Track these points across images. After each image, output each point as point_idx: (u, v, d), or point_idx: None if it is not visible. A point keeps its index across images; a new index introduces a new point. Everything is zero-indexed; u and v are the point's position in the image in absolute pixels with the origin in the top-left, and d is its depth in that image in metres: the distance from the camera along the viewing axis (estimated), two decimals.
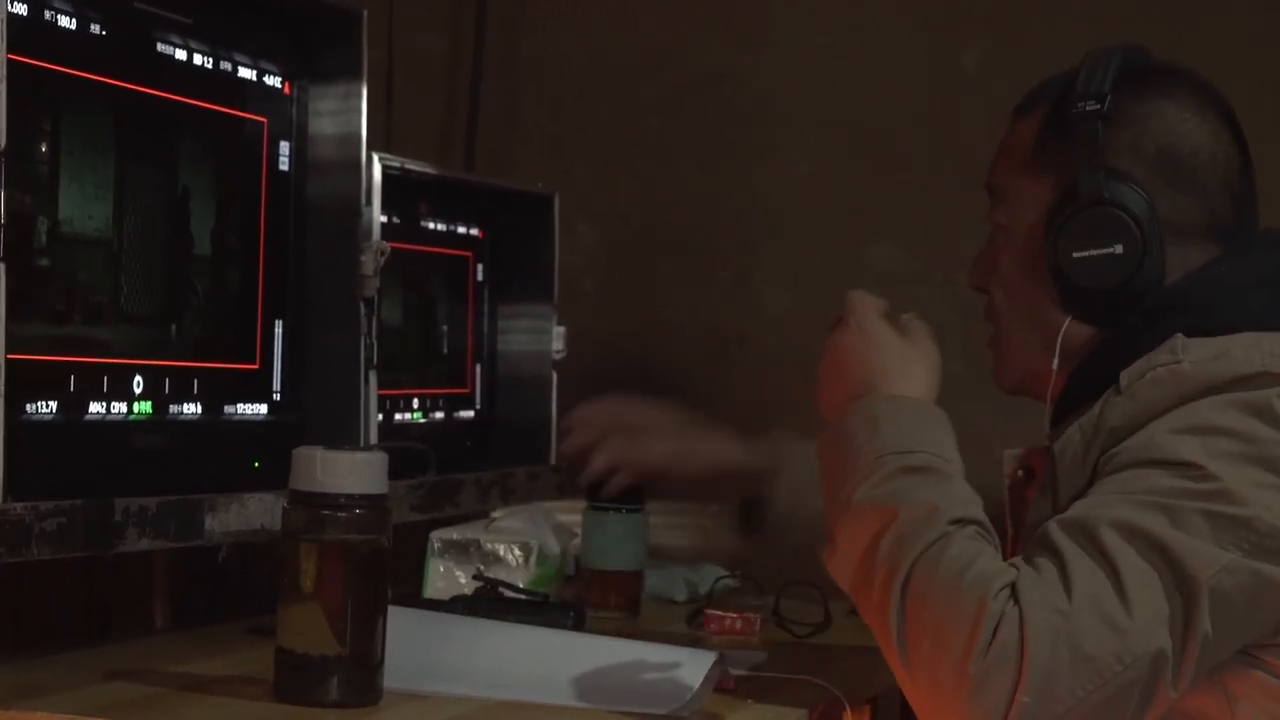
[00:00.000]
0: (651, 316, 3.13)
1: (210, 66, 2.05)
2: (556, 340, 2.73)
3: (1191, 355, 1.64)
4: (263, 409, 2.14)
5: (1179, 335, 1.67)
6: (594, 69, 3.17)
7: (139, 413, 1.93)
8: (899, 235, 2.99)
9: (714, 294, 3.09)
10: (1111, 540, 1.52)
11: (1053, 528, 1.57)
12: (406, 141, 2.89)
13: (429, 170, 2.47)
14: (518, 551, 2.37)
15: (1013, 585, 1.51)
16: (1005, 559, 1.73)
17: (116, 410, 1.90)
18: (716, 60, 3.10)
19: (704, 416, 2.32)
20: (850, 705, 1.97)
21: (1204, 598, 1.52)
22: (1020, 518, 1.82)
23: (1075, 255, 1.73)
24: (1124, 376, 1.67)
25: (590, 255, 3.11)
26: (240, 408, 2.10)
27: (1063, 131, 1.76)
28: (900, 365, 1.80)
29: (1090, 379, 1.74)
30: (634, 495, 2.49)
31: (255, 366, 2.13)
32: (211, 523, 1.95)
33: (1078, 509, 1.58)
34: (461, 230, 2.66)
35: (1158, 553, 1.52)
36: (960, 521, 1.59)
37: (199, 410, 2.03)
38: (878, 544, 1.62)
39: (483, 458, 2.66)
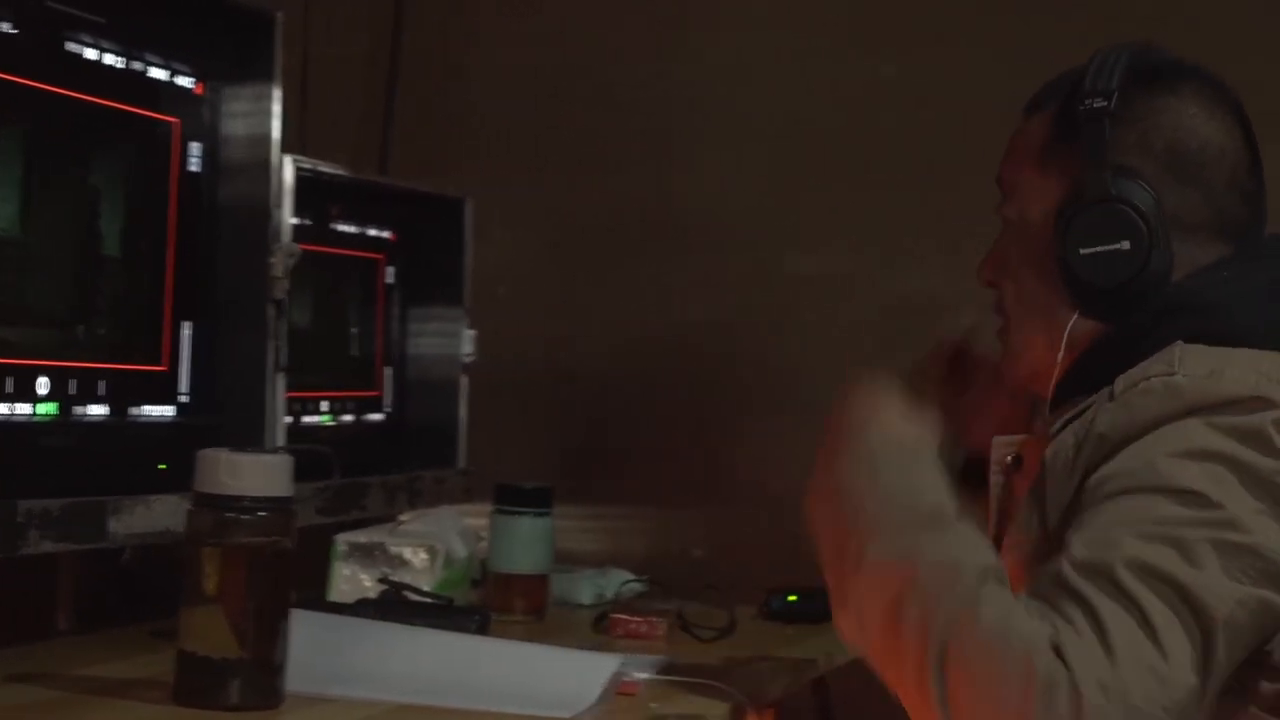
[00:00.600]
0: (569, 321, 3.13)
1: (122, 66, 2.05)
2: (467, 344, 2.73)
3: (1187, 368, 1.63)
4: (170, 411, 2.13)
5: (1178, 344, 1.67)
6: (513, 76, 3.17)
7: (44, 414, 1.93)
8: (819, 242, 3.01)
9: (633, 299, 3.10)
10: (1131, 583, 1.51)
11: (1069, 572, 1.54)
12: (321, 144, 2.89)
13: (341, 172, 2.47)
14: (424, 555, 2.37)
15: (1057, 647, 1.49)
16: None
17: (21, 411, 1.89)
18: (637, 68, 3.11)
19: None
20: (753, 710, 1.98)
21: (1220, 633, 1.51)
22: (1005, 506, 1.81)
23: (1082, 251, 1.73)
24: (1119, 382, 1.66)
25: (505, 260, 3.11)
26: (147, 409, 2.10)
27: (1071, 128, 1.77)
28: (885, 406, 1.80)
29: (1086, 371, 1.74)
30: (542, 499, 2.49)
31: (163, 368, 2.13)
32: (115, 525, 1.94)
33: (1089, 547, 1.56)
34: (373, 233, 2.66)
35: (1175, 592, 1.51)
36: (983, 575, 1.57)
37: (105, 412, 2.02)
38: (900, 609, 1.58)
39: (392, 461, 2.66)
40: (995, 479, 1.85)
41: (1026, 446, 1.80)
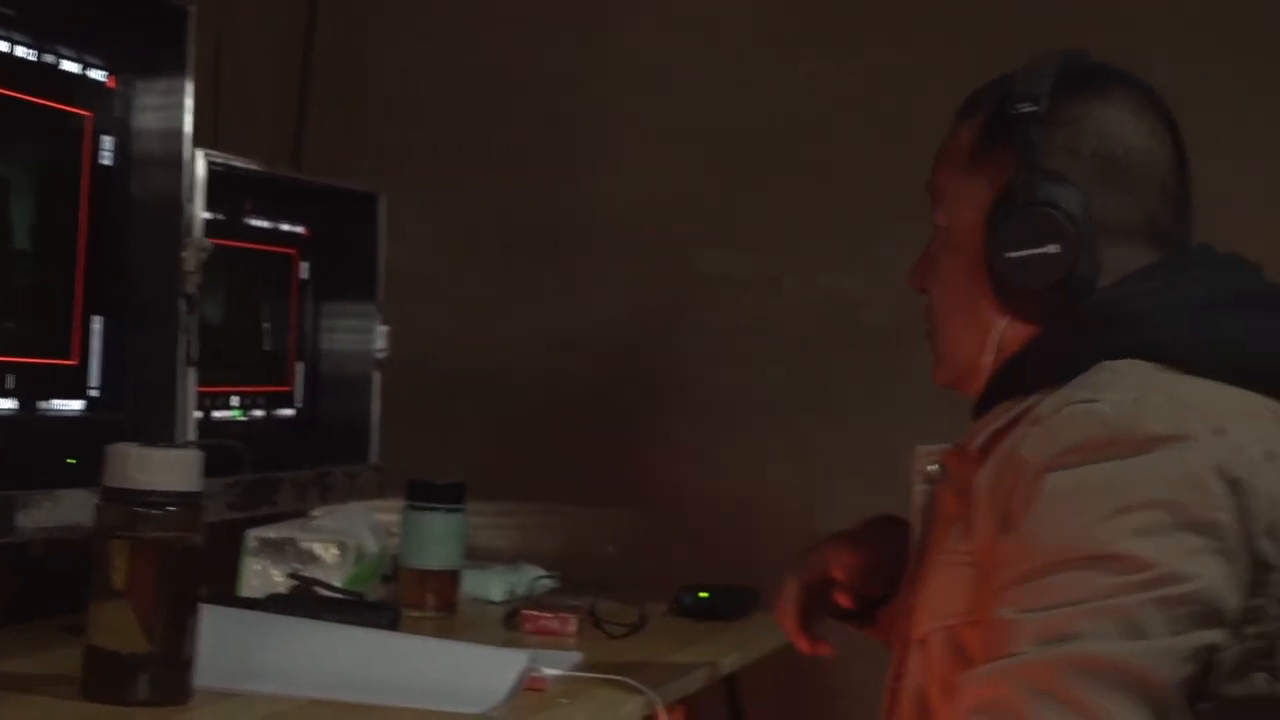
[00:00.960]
0: (482, 319, 3.14)
1: (33, 59, 2.04)
2: (380, 340, 2.73)
3: (1111, 394, 1.62)
4: (79, 405, 2.12)
5: (1104, 364, 1.66)
6: (430, 72, 3.17)
7: None
8: (730, 241, 3.02)
9: (544, 298, 3.11)
10: (1079, 688, 1.51)
11: (1020, 685, 1.53)
12: (235, 139, 2.88)
13: (253, 167, 2.46)
14: (335, 550, 2.37)
15: None
16: (913, 559, 1.77)
17: None
18: (551, 66, 3.11)
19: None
20: (662, 705, 1.99)
21: (1173, 695, 1.52)
22: (930, 517, 1.81)
23: (1010, 255, 1.73)
24: (1044, 405, 1.66)
25: (421, 256, 3.11)
26: (56, 403, 2.09)
27: (1000, 133, 1.76)
28: None
29: (1010, 378, 1.74)
30: (454, 495, 2.50)
31: (73, 362, 2.11)
32: (24, 519, 1.93)
33: (1033, 639, 1.55)
34: (286, 228, 2.66)
35: (1122, 676, 1.51)
36: None
37: (14, 405, 2.01)
38: None
39: (303, 456, 2.65)
40: (919, 488, 1.86)
41: (949, 456, 1.80)
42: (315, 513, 2.55)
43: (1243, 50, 2.84)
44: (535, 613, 2.38)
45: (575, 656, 2.14)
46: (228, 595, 2.25)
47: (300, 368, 2.70)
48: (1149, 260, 1.75)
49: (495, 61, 3.14)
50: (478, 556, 2.71)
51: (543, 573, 2.68)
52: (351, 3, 3.21)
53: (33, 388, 2.04)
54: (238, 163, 2.39)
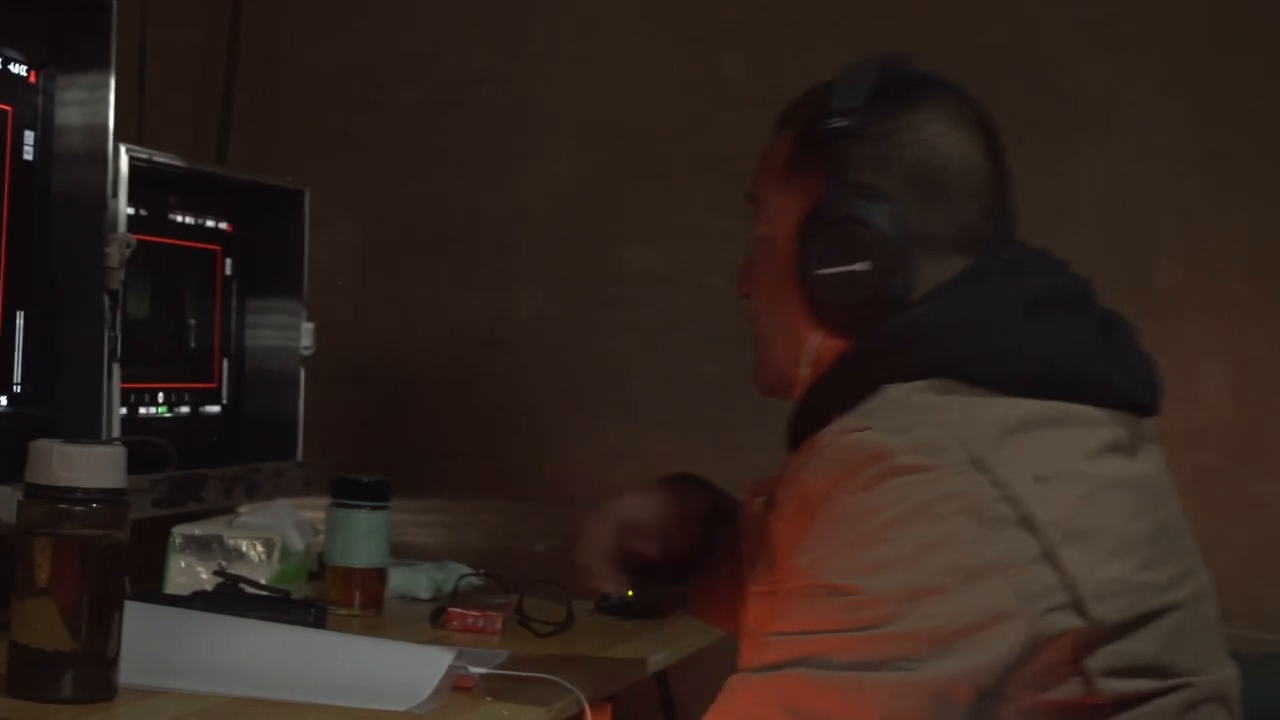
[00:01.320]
0: (407, 315, 3.13)
1: None
2: (306, 336, 2.72)
3: (881, 422, 1.62)
4: (2, 401, 2.11)
5: (885, 390, 1.66)
6: (354, 68, 3.16)
7: None
8: (656, 238, 3.02)
9: (470, 294, 3.10)
10: (792, 715, 1.55)
11: (753, 700, 1.58)
12: (159, 134, 2.86)
13: (177, 163, 2.44)
14: (260, 548, 2.36)
15: None
16: (746, 588, 1.77)
17: None
18: (476, 63, 3.11)
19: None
20: (589, 704, 1.99)
21: None
22: (759, 547, 1.80)
23: (822, 271, 1.73)
24: (824, 436, 1.66)
25: (346, 252, 3.11)
26: None
27: (814, 147, 1.76)
28: None
29: (812, 403, 1.76)
30: (380, 492, 2.49)
31: None
32: None
33: (763, 658, 1.60)
34: (210, 224, 2.64)
35: (833, 708, 1.54)
36: None
37: None
38: None
39: (229, 453, 2.64)
40: (745, 521, 1.87)
41: (774, 486, 1.78)
42: (241, 510, 2.54)
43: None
44: (462, 611, 2.38)
45: (502, 655, 2.14)
46: (153, 592, 2.23)
47: (226, 364, 2.69)
48: (960, 269, 1.74)
49: (420, 57, 3.13)
50: (404, 554, 2.70)
51: (469, 570, 2.67)
52: None
53: None
54: (161, 158, 2.37)
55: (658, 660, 2.36)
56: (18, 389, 2.13)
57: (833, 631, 1.56)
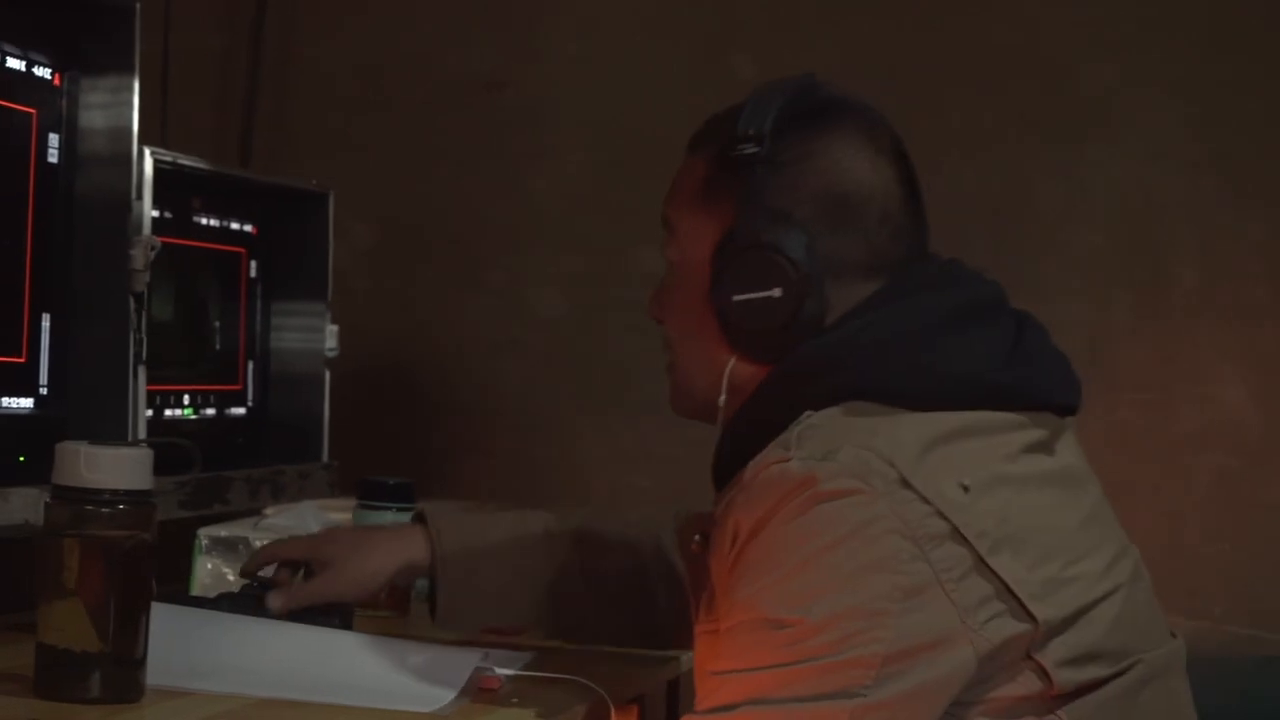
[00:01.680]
0: (424, 317, 3.13)
1: None
2: (330, 338, 2.72)
3: (803, 449, 1.63)
4: (29, 403, 2.11)
5: (805, 415, 1.66)
6: (369, 70, 3.17)
7: None
8: None
9: (484, 296, 3.10)
10: None
11: None
12: (182, 136, 2.87)
13: (202, 165, 2.45)
14: None
15: None
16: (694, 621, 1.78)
17: None
18: (488, 65, 3.11)
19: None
20: (615, 705, 1.99)
21: None
22: (700, 585, 1.82)
23: (735, 298, 1.74)
24: (748, 469, 1.67)
25: (364, 255, 3.11)
26: (6, 401, 2.08)
27: (725, 173, 1.77)
28: None
29: (734, 440, 1.76)
30: (405, 494, 2.49)
31: (22, 360, 2.10)
32: None
33: (710, 697, 1.60)
34: (235, 226, 2.65)
35: None
36: None
37: None
38: None
39: (254, 455, 2.65)
40: (686, 561, 1.86)
41: (709, 522, 1.79)
42: (266, 511, 2.54)
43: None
44: None
45: (527, 656, 2.13)
46: (180, 594, 2.23)
47: (250, 366, 2.69)
48: (872, 290, 1.75)
49: (430, 59, 3.14)
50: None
51: None
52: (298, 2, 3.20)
53: None
54: (186, 161, 2.38)
55: (684, 661, 2.36)
56: (43, 391, 2.13)
57: (778, 666, 1.57)
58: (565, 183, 3.07)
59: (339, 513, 2.57)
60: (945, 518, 1.59)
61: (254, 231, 2.69)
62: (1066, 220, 2.83)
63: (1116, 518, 1.78)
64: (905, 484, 1.59)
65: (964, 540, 1.59)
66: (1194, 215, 2.82)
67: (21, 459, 2.08)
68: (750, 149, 1.74)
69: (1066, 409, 1.77)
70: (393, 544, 2.08)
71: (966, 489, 1.61)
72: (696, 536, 1.82)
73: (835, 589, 1.57)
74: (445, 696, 1.86)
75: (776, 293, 1.72)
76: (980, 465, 1.64)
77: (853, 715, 1.55)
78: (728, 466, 1.76)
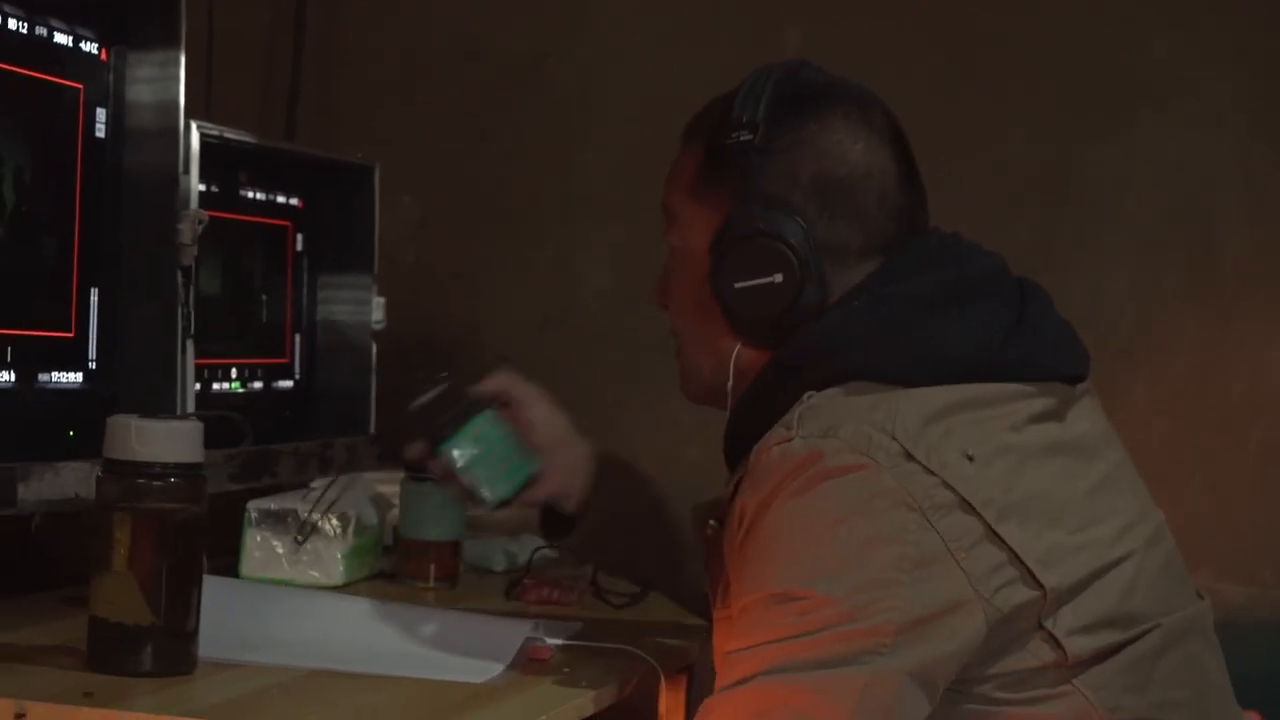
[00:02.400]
0: (471, 291, 3.13)
1: (25, 31, 2.03)
2: (376, 311, 2.72)
3: (805, 429, 1.63)
4: (78, 377, 2.12)
5: (806, 395, 1.67)
6: (417, 45, 3.16)
7: None
8: None
9: (534, 270, 3.10)
10: None
11: None
12: (227, 111, 2.87)
13: (248, 139, 2.45)
14: (336, 522, 2.37)
15: None
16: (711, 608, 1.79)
17: None
18: (537, 41, 3.10)
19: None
20: (665, 674, 1.99)
21: None
22: (715, 571, 1.82)
23: (737, 285, 1.75)
24: (753, 452, 1.67)
25: (412, 227, 3.11)
26: (55, 376, 2.08)
27: (719, 161, 1.78)
28: None
29: (740, 425, 1.77)
30: None
31: (70, 335, 2.11)
32: (25, 491, 1.92)
33: (727, 676, 1.60)
34: (281, 200, 2.65)
35: (805, 712, 1.55)
36: None
37: (12, 378, 2.00)
38: None
39: (302, 428, 2.65)
40: (702, 545, 1.86)
41: (721, 509, 1.79)
42: (314, 484, 2.54)
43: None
44: (537, 583, 2.38)
45: (577, 626, 2.14)
46: (230, 567, 2.24)
47: (298, 339, 2.69)
48: (870, 270, 1.76)
49: (481, 35, 3.13)
50: (477, 526, 2.70)
51: (543, 543, 2.67)
52: None
53: (31, 360, 2.04)
54: (232, 134, 2.38)
55: None
56: (92, 366, 2.14)
57: (791, 637, 1.57)
58: (612, 155, 3.06)
59: (386, 485, 2.57)
60: (951, 488, 1.59)
61: (300, 205, 2.69)
62: (1118, 190, 2.82)
63: (1141, 484, 1.78)
64: (909, 457, 1.60)
65: (972, 509, 1.59)
66: (1245, 184, 2.80)
67: (71, 434, 2.08)
68: (744, 136, 1.75)
69: (1073, 379, 1.76)
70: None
71: (971, 459, 1.61)
72: (711, 521, 1.81)
73: (844, 563, 1.57)
74: (496, 667, 1.87)
75: (777, 279, 1.74)
76: (984, 436, 1.64)
77: (868, 683, 1.55)
78: (736, 450, 1.76)
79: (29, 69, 2.03)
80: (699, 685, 2.38)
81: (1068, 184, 2.85)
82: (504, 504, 1.99)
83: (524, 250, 3.11)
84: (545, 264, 3.09)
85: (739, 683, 1.58)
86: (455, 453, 1.96)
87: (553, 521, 2.09)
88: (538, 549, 2.61)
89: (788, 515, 1.61)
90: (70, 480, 1.97)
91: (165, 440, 1.74)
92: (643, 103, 3.05)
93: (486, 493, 1.96)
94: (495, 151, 3.11)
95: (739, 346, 1.79)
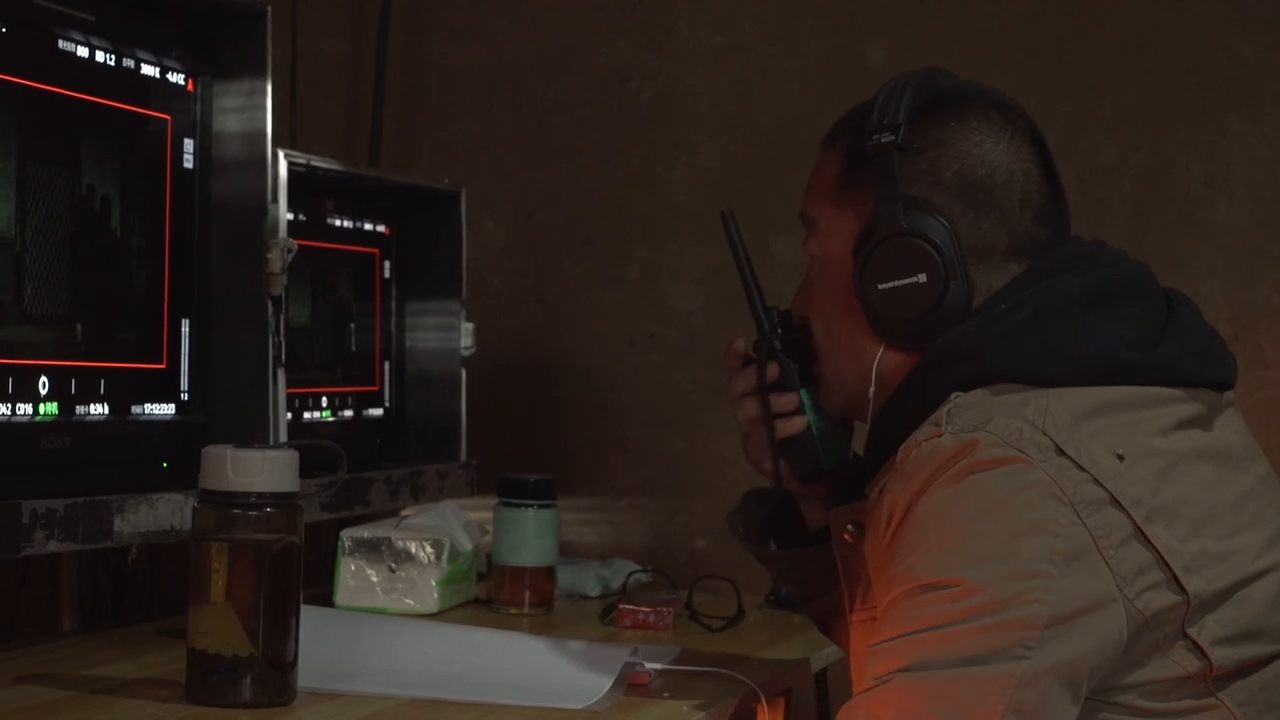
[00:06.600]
0: (558, 312, 3.12)
1: (113, 64, 2.03)
2: (465, 337, 2.72)
3: (955, 424, 1.62)
4: (171, 409, 2.12)
5: (954, 395, 1.66)
6: (498, 69, 3.16)
7: (45, 414, 1.91)
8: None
9: (620, 291, 3.09)
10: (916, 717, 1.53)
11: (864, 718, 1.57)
12: (311, 139, 2.88)
13: (335, 167, 2.45)
14: (430, 549, 2.36)
15: None
16: (846, 615, 1.79)
17: (22, 411, 1.88)
18: (620, 59, 3.10)
19: None
20: (764, 698, 1.98)
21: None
22: (856, 576, 1.81)
23: (881, 287, 1.74)
24: (901, 449, 1.66)
25: (497, 252, 3.11)
26: (148, 408, 2.08)
27: (862, 164, 1.77)
28: None
29: (886, 427, 1.75)
30: (546, 491, 2.48)
31: (162, 366, 2.11)
32: (120, 524, 1.93)
33: (875, 670, 1.58)
34: (368, 227, 2.65)
35: (950, 705, 1.53)
36: None
37: (106, 411, 2.01)
38: None
39: (392, 455, 2.65)
40: (840, 551, 1.84)
41: (861, 512, 1.78)
42: (406, 512, 2.54)
43: None
44: (632, 607, 2.37)
45: (674, 650, 2.12)
46: (325, 596, 2.23)
47: (387, 367, 2.69)
48: (1016, 273, 1.75)
49: (562, 55, 3.12)
50: (569, 552, 2.69)
51: (637, 567, 2.66)
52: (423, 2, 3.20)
53: (124, 393, 2.04)
54: (319, 163, 2.38)
55: (827, 654, 2.34)
56: (184, 397, 2.14)
57: (938, 627, 1.55)
58: (699, 175, 3.05)
59: (479, 511, 2.56)
60: (1101, 485, 1.58)
61: (387, 232, 2.69)
62: (1208, 197, 2.78)
63: None
64: (1060, 452, 1.58)
65: (1121, 507, 1.58)
66: None
67: (165, 465, 2.08)
68: (886, 138, 1.74)
69: (1220, 385, 1.74)
70: None
71: (1121, 458, 1.60)
72: (849, 527, 1.80)
73: (994, 552, 1.56)
74: (598, 692, 1.85)
75: (921, 278, 1.73)
76: (1133, 437, 1.62)
77: (1020, 681, 1.52)
78: (879, 453, 1.75)
79: (117, 101, 2.04)
80: (797, 709, 2.36)
81: (1158, 192, 2.82)
82: (817, 475, 1.95)
83: (611, 270, 3.10)
84: (633, 283, 3.08)
85: (879, 681, 1.56)
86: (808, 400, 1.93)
87: (785, 521, 2.04)
88: (631, 573, 2.60)
89: (938, 506, 1.59)
90: (165, 512, 1.98)
91: (261, 470, 1.74)
92: (729, 120, 3.04)
93: (821, 449, 1.93)
94: (581, 172, 3.11)
95: (882, 351, 1.77)
